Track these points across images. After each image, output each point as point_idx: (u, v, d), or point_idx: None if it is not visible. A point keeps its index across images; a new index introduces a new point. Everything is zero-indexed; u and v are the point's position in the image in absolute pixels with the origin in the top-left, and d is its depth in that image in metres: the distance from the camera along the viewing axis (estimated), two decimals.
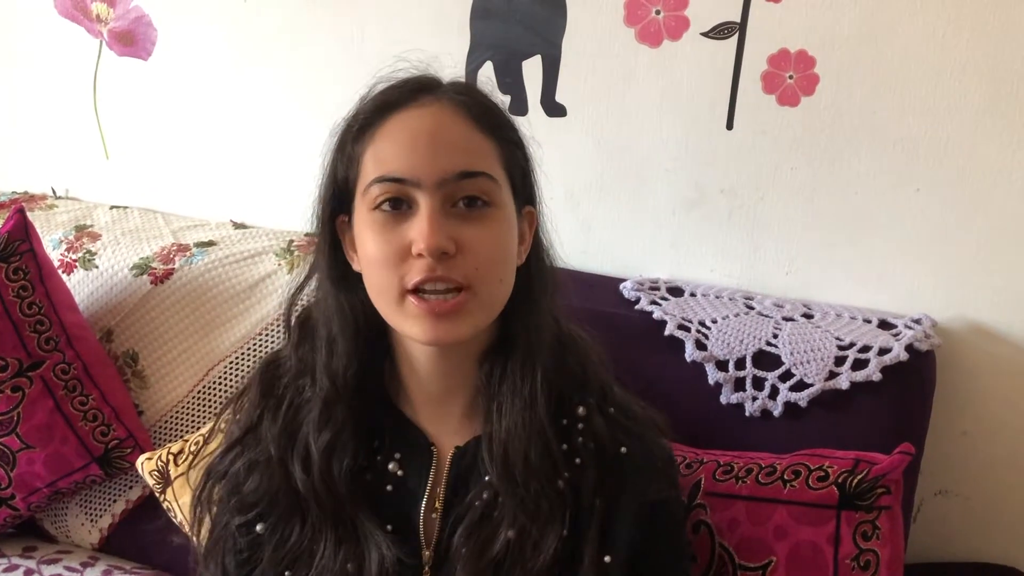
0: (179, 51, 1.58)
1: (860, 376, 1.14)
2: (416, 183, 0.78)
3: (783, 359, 1.17)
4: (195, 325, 1.40)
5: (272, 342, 1.36)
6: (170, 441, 1.38)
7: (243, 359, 1.38)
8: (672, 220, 1.37)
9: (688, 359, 1.19)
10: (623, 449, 0.85)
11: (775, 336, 1.20)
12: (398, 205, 0.79)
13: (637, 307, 1.26)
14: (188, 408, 1.40)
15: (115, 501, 1.40)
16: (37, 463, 1.33)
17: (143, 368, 1.42)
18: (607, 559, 0.81)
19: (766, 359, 1.18)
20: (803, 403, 1.15)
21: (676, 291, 1.32)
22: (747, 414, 1.17)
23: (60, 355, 1.35)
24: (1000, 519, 1.31)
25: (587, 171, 1.39)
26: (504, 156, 0.83)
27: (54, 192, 1.73)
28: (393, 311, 0.80)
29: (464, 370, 0.85)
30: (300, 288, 0.91)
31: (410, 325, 0.79)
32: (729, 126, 1.31)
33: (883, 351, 1.15)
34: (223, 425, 0.94)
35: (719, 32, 1.29)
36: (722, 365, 1.19)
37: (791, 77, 1.27)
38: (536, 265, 0.87)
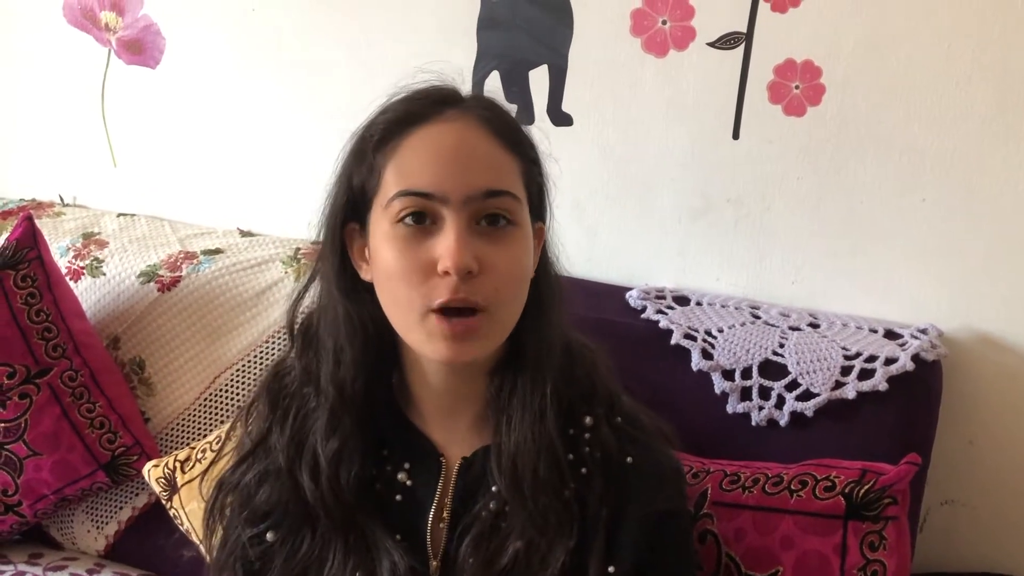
0: (187, 60, 1.59)
1: (866, 386, 1.14)
2: (443, 199, 0.77)
3: (789, 368, 1.17)
4: (202, 332, 1.41)
5: (279, 349, 1.36)
6: (177, 448, 1.38)
7: (250, 366, 1.38)
8: (678, 229, 1.37)
9: (694, 368, 1.19)
10: (629, 459, 0.84)
11: (781, 345, 1.20)
12: (421, 219, 0.78)
13: (643, 316, 1.26)
14: (195, 415, 1.40)
15: (121, 508, 1.40)
16: (44, 470, 1.33)
17: (150, 375, 1.42)
18: (611, 569, 0.81)
19: (772, 368, 1.18)
20: (809, 413, 1.15)
21: (682, 300, 1.32)
22: (753, 423, 1.17)
23: (67, 362, 1.35)
24: (1007, 528, 1.31)
25: (593, 180, 1.39)
26: (525, 174, 0.83)
27: (62, 199, 1.73)
28: (412, 327, 0.79)
29: (475, 383, 0.85)
30: (302, 295, 0.90)
31: (428, 343, 0.78)
32: (735, 136, 1.31)
33: (889, 361, 1.16)
34: (234, 436, 0.94)
35: (725, 42, 1.29)
36: (728, 374, 1.19)
37: (797, 87, 1.27)
38: (544, 279, 0.87)
